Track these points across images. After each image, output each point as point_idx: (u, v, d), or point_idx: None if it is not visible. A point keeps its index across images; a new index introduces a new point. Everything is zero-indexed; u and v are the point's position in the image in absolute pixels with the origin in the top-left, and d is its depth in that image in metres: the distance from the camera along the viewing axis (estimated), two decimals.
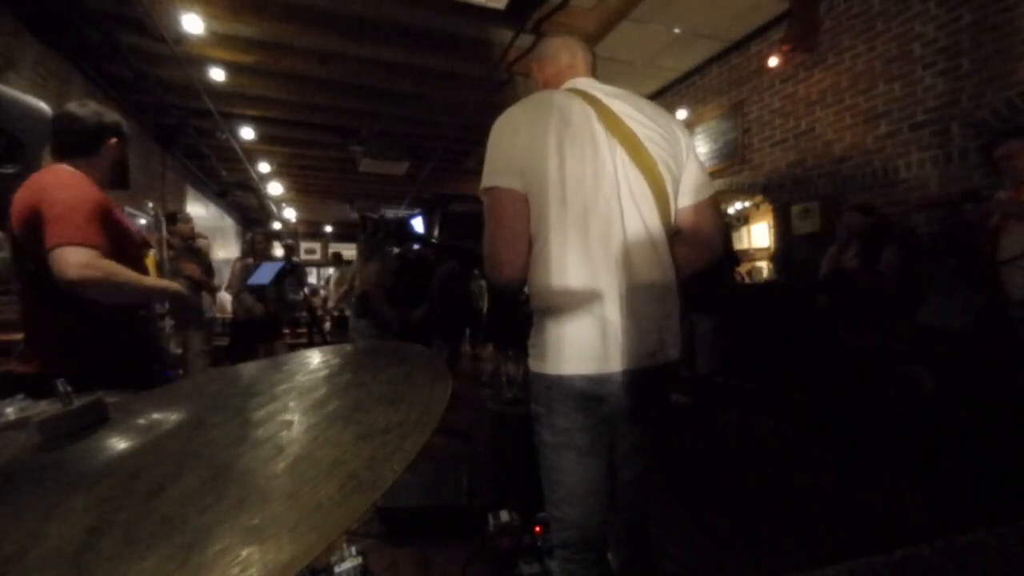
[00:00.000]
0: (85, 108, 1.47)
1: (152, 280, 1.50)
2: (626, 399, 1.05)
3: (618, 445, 1.12)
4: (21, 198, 1.34)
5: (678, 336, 1.12)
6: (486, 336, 5.73)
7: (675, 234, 1.15)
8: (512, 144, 1.06)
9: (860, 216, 3.21)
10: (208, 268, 4.49)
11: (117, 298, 1.36)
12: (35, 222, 1.28)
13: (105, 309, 1.36)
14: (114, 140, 1.51)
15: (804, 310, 3.29)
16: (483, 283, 5.81)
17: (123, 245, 1.43)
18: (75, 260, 1.24)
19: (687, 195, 1.14)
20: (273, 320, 4.88)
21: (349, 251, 10.97)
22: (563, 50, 1.23)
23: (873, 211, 3.26)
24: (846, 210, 3.40)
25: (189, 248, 4.32)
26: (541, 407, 1.10)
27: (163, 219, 1.94)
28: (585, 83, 1.16)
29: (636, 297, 1.03)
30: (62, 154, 1.45)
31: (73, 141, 1.45)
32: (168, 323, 1.81)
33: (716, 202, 1.22)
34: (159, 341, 1.64)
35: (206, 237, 5.40)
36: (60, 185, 1.34)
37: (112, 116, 1.51)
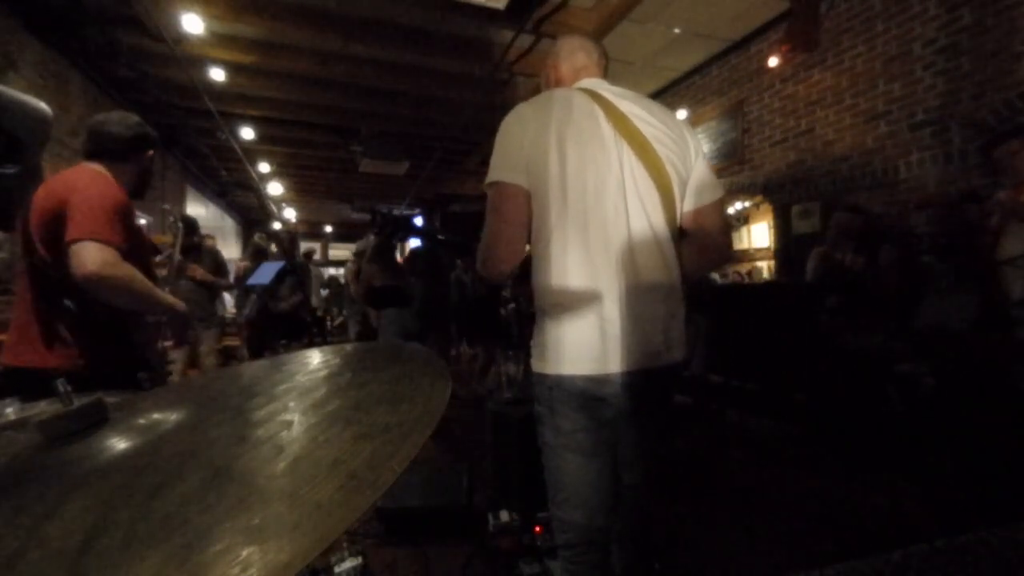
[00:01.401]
0: (129, 119, 1.54)
1: (162, 294, 1.52)
2: (628, 401, 1.04)
3: (621, 447, 1.11)
4: (47, 192, 1.35)
5: (683, 337, 1.11)
6: (470, 335, 5.66)
7: (682, 236, 1.14)
8: (519, 141, 1.06)
9: (850, 215, 3.21)
10: (218, 267, 4.45)
11: (125, 302, 1.36)
12: (60, 216, 1.29)
13: (104, 311, 1.36)
14: (150, 152, 1.57)
15: (804, 310, 3.29)
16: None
17: (137, 248, 1.45)
18: (97, 256, 1.25)
19: (694, 197, 1.13)
20: (297, 321, 4.82)
21: (346, 252, 10.93)
22: (580, 50, 1.23)
23: (861, 210, 3.26)
24: (836, 210, 3.40)
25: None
26: (543, 408, 1.09)
27: (181, 226, 1.98)
28: (595, 83, 1.16)
29: (638, 297, 1.02)
30: (96, 156, 1.48)
31: (111, 147, 1.49)
32: (165, 333, 1.80)
33: (723, 205, 1.21)
34: (151, 351, 1.65)
35: (213, 237, 5.39)
36: (89, 183, 1.37)
37: (152, 132, 1.59)
